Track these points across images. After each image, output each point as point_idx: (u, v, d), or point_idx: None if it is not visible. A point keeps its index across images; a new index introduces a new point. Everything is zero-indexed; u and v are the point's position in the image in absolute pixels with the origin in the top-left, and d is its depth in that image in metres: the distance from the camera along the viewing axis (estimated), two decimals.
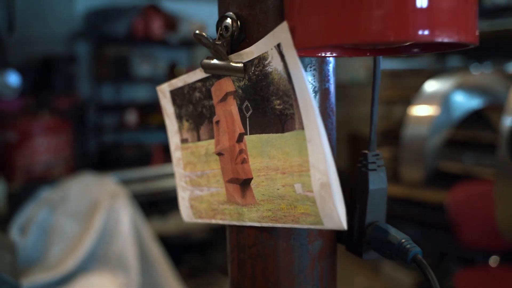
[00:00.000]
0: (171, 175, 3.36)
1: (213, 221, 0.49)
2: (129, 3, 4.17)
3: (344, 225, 0.39)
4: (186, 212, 0.52)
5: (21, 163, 3.44)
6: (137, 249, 2.83)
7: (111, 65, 3.89)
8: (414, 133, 1.84)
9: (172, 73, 4.19)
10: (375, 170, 0.47)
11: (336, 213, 0.38)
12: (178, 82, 0.49)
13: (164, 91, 0.51)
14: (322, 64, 0.44)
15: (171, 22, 4.10)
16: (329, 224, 0.39)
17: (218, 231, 3.32)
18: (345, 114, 5.08)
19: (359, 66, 4.96)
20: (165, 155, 4.04)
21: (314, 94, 0.43)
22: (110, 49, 3.86)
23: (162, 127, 4.23)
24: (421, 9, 0.32)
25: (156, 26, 3.95)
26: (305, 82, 0.37)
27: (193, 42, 4.36)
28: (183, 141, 0.51)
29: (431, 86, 1.94)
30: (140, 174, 3.58)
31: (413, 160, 1.87)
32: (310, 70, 0.43)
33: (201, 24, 4.18)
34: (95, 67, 4.16)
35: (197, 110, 0.49)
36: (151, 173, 3.61)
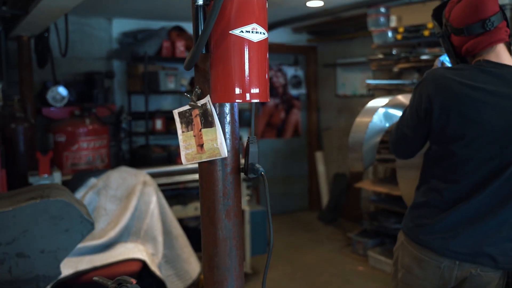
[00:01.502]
0: (190, 171, 4.16)
1: (193, 162, 1.28)
2: (158, 26, 5.02)
3: (226, 155, 1.19)
4: (184, 160, 1.32)
5: (68, 159, 4.27)
6: (162, 226, 3.65)
7: (141, 80, 4.73)
8: (355, 137, 2.61)
9: (192, 86, 5.03)
10: (252, 143, 1.27)
11: (223, 151, 1.18)
12: (180, 108, 1.29)
13: (176, 112, 1.31)
14: (232, 104, 1.23)
15: (192, 42, 4.95)
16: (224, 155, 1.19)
17: None
18: (348, 121, 5.86)
19: (359, 84, 5.75)
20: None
21: (225, 115, 1.23)
22: (141, 66, 4.71)
23: None
24: (242, 88, 1.11)
25: (180, 46, 4.80)
26: (215, 112, 1.18)
27: None
28: (182, 132, 1.31)
29: (372, 102, 2.70)
30: (165, 170, 4.33)
31: (355, 157, 2.64)
32: (222, 107, 1.23)
33: None
34: (128, 81, 5.02)
35: (187, 120, 1.28)
36: (174, 169, 4.35)
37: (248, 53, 1.12)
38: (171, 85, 4.69)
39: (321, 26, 5.76)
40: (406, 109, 1.87)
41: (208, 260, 1.29)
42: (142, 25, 5.06)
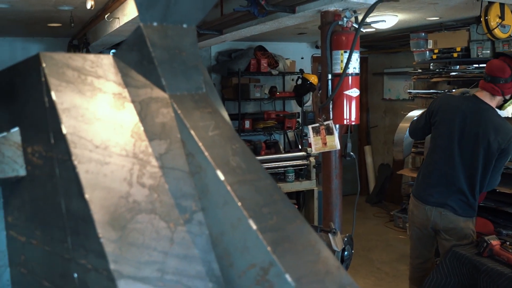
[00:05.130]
0: (272, 160, 5.69)
1: (319, 151, 2.82)
2: (244, 45, 6.63)
3: (338, 148, 2.74)
4: (314, 150, 2.85)
5: None
6: None
7: (233, 89, 6.37)
8: (398, 136, 4.11)
9: (273, 94, 6.65)
10: (349, 142, 2.80)
11: (337, 146, 2.73)
12: (313, 125, 2.83)
13: (310, 127, 2.85)
14: None
15: (272, 59, 6.58)
16: None
17: None
18: (392, 121, 7.36)
19: (402, 90, 7.22)
20: (266, 148, 6.46)
21: (337, 129, 2.77)
22: (234, 79, 6.36)
23: (265, 129, 6.67)
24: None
25: (263, 63, 6.41)
26: (335, 128, 2.73)
27: (285, 73, 6.82)
28: (313, 136, 2.84)
29: (411, 113, 4.19)
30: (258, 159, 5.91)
31: (398, 150, 4.14)
32: None
33: (291, 61, 6.64)
34: (223, 91, 6.66)
35: (317, 130, 2.82)
36: (259, 159, 5.90)
37: (350, 102, 2.65)
38: (257, 94, 6.31)
39: (372, 41, 7.22)
40: (423, 113, 3.33)
41: (326, 200, 2.84)
42: (232, 45, 6.67)
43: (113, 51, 5.64)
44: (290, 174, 5.21)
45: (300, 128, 6.83)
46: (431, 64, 5.71)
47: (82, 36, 5.45)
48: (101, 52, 5.77)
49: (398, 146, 4.12)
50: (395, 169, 6.95)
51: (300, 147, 6.62)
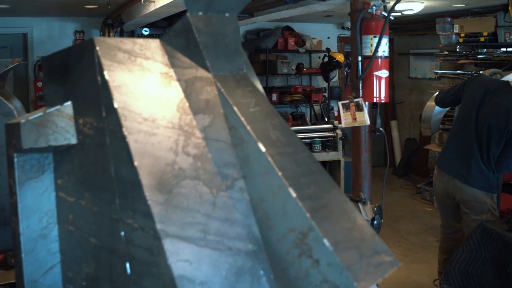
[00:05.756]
0: (299, 131, 5.75)
1: (348, 126, 2.84)
2: (272, 25, 6.60)
3: (368, 123, 2.76)
4: (343, 125, 2.88)
5: None
6: None
7: (261, 65, 6.38)
8: (426, 113, 4.08)
9: (300, 70, 6.64)
10: (378, 119, 2.81)
11: (367, 122, 2.74)
12: (343, 101, 2.84)
13: (340, 103, 2.86)
14: None
15: (299, 38, 6.55)
16: None
17: None
18: (418, 98, 7.31)
19: (428, 69, 7.13)
20: (293, 120, 6.49)
21: (366, 106, 2.78)
22: (262, 55, 6.35)
23: (291, 103, 6.70)
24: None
25: (291, 42, 6.38)
26: (365, 105, 2.73)
27: (312, 51, 6.80)
28: (343, 112, 2.86)
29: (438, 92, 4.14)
30: None
31: (425, 126, 4.12)
32: None
33: (317, 40, 6.58)
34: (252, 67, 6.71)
35: (347, 106, 2.84)
36: None
37: (380, 82, 2.65)
38: (285, 70, 6.32)
39: (398, 24, 7.09)
40: (456, 86, 3.34)
41: (355, 171, 2.88)
42: (260, 25, 6.66)
43: (145, 29, 5.75)
44: (317, 145, 5.33)
45: (326, 102, 6.84)
46: (458, 46, 5.61)
47: (116, 16, 5.53)
48: (133, 31, 5.92)
49: (426, 123, 4.10)
50: (422, 143, 6.90)
51: (326, 120, 6.64)
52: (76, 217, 0.95)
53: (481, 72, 4.84)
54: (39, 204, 0.99)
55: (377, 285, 2.78)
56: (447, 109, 4.01)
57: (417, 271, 4.09)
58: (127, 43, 0.90)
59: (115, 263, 0.82)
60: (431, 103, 4.03)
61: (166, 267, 0.72)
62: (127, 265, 0.79)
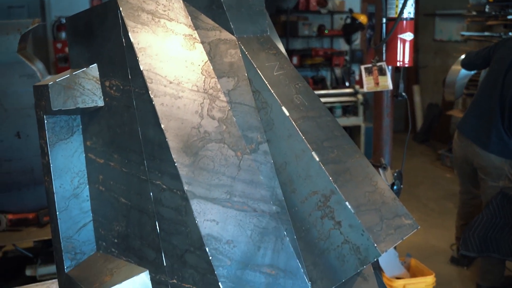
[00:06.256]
0: (320, 96, 5.70)
1: (371, 90, 2.81)
2: None
3: (391, 88, 2.73)
4: (365, 89, 2.85)
5: None
6: None
7: (281, 27, 6.27)
8: (450, 78, 3.99)
9: (321, 32, 6.51)
10: (401, 84, 2.78)
11: (390, 86, 2.71)
12: (366, 65, 2.81)
13: (362, 67, 2.83)
14: None
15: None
16: None
17: None
18: (443, 61, 7.13)
19: (454, 31, 6.89)
20: (313, 84, 6.43)
21: (389, 70, 2.74)
22: (283, 16, 6.24)
23: (312, 66, 6.63)
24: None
25: (313, 2, 6.24)
26: (388, 69, 2.69)
27: (334, 12, 6.64)
28: (366, 76, 2.83)
29: (463, 56, 4.03)
30: None
31: (449, 91, 4.04)
32: None
33: (340, 0, 6.41)
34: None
35: (369, 70, 2.80)
36: None
37: (404, 45, 2.60)
38: (306, 32, 6.21)
39: None
40: (485, 48, 3.26)
41: (376, 136, 2.87)
42: None
43: None
44: (337, 110, 5.27)
45: (348, 65, 6.72)
46: (487, 6, 5.39)
47: None
48: None
49: (449, 88, 4.02)
50: (444, 109, 6.79)
51: (347, 84, 6.56)
52: (106, 177, 0.99)
53: (510, 34, 4.68)
54: (70, 165, 1.02)
55: (395, 248, 2.82)
56: (473, 73, 3.91)
57: (434, 236, 4.12)
58: (150, 3, 0.90)
59: (144, 221, 0.86)
60: (456, 67, 3.94)
61: (194, 226, 0.75)
62: (157, 223, 0.82)
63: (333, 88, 6.43)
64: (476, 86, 5.00)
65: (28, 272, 2.66)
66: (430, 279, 2.46)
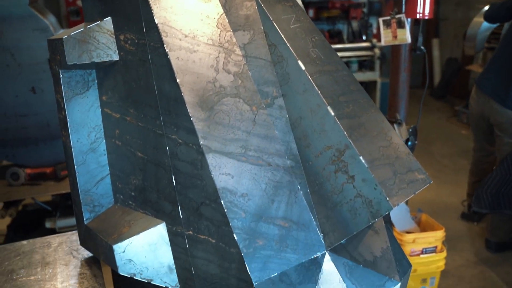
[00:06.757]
0: (336, 50, 5.58)
1: (388, 44, 2.75)
2: None
3: (409, 41, 2.66)
4: (383, 43, 2.79)
5: None
6: None
7: None
8: (471, 31, 3.88)
9: None
10: (420, 37, 2.70)
11: (408, 40, 2.65)
12: (384, 18, 2.73)
13: (380, 19, 2.75)
14: None
15: None
16: None
17: None
18: (465, 14, 6.90)
19: None
20: (329, 38, 6.30)
21: (408, 22, 2.67)
22: None
23: (328, 19, 6.47)
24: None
25: None
26: (406, 22, 2.62)
27: None
28: (384, 29, 2.76)
29: (486, 8, 3.89)
30: None
31: (469, 45, 3.93)
32: None
33: None
34: None
35: (387, 23, 2.73)
36: None
37: None
38: None
39: None
40: (510, 0, 3.16)
41: (392, 91, 2.83)
42: None
43: None
44: (353, 65, 5.18)
45: (366, 18, 6.54)
46: None
47: None
48: None
49: (470, 41, 3.91)
50: (464, 64, 6.64)
51: (364, 38, 6.41)
52: (122, 132, 1.00)
53: None
54: (86, 119, 1.04)
55: (407, 203, 2.84)
56: (495, 25, 3.79)
57: (446, 192, 4.13)
58: None
59: (161, 175, 0.88)
60: (478, 19, 3.82)
61: (209, 180, 0.76)
62: (173, 177, 0.84)
63: (350, 42, 6.29)
64: (498, 39, 4.85)
65: (48, 225, 2.75)
66: (439, 234, 2.49)
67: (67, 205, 2.86)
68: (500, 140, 3.07)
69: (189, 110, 0.79)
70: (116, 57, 0.98)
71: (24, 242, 1.26)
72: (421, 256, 2.49)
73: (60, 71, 1.01)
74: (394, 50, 2.77)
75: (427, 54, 2.78)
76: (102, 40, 0.98)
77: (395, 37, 2.68)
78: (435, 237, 2.49)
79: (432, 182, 0.81)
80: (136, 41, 0.91)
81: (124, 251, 0.88)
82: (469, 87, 6.39)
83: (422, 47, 2.67)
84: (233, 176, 0.77)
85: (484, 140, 3.32)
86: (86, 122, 1.04)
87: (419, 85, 7.84)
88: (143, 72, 0.90)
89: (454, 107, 6.46)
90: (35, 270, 1.11)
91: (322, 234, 0.79)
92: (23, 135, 2.54)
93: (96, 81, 1.07)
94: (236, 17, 0.87)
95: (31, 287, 1.05)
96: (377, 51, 5.23)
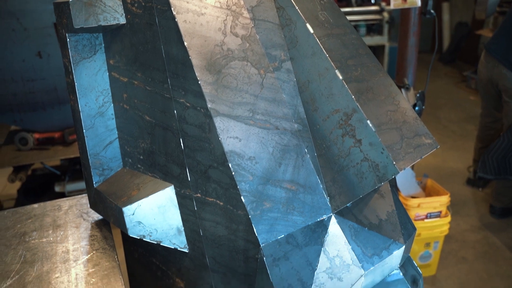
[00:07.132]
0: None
1: (398, 7, 2.70)
2: None
3: (419, 5, 2.61)
4: (392, 6, 2.74)
5: None
6: None
7: None
8: None
9: None
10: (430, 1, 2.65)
11: (418, 3, 2.60)
12: None
13: None
14: None
15: None
16: None
17: None
18: None
19: None
20: (337, 1, 6.16)
21: None
22: None
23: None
24: None
25: None
26: None
27: None
28: None
29: None
30: None
31: (480, 9, 3.85)
32: None
33: None
34: None
35: None
36: None
37: None
38: None
39: None
40: None
41: (401, 56, 2.79)
42: None
43: None
44: (362, 29, 5.09)
45: None
46: None
47: None
48: None
49: (481, 5, 3.82)
50: (474, 28, 6.52)
51: (373, 1, 6.28)
52: (130, 96, 1.00)
53: None
54: (94, 83, 1.04)
55: (413, 168, 2.86)
56: None
57: (453, 158, 4.13)
58: None
59: (169, 138, 0.88)
60: None
61: (217, 143, 0.77)
62: (181, 140, 0.85)
63: (358, 5, 6.17)
64: (510, 3, 4.74)
65: (57, 189, 2.80)
66: (444, 199, 2.51)
67: (75, 169, 2.90)
68: (507, 106, 3.04)
69: (196, 74, 0.79)
70: (123, 20, 0.98)
71: (35, 205, 1.29)
72: (426, 220, 2.52)
73: (67, 35, 1.01)
74: (403, 13, 2.73)
75: (437, 18, 2.73)
76: (109, 3, 0.97)
77: (404, 0, 2.63)
78: (440, 202, 2.51)
79: (439, 146, 0.82)
80: (143, 3, 0.90)
81: (133, 214, 0.90)
82: (479, 52, 6.29)
83: (432, 11, 2.62)
84: (241, 139, 0.78)
85: (491, 106, 3.30)
86: (94, 86, 1.04)
87: (427, 50, 7.73)
88: (151, 36, 0.90)
89: (462, 73, 6.38)
90: (47, 233, 1.14)
91: (328, 197, 0.80)
92: (31, 100, 2.55)
93: (103, 44, 1.07)
94: None
95: (43, 248, 1.07)
96: (385, 14, 5.13)
